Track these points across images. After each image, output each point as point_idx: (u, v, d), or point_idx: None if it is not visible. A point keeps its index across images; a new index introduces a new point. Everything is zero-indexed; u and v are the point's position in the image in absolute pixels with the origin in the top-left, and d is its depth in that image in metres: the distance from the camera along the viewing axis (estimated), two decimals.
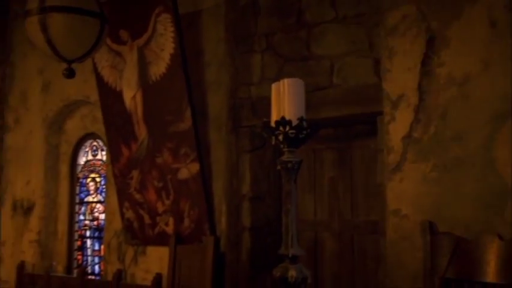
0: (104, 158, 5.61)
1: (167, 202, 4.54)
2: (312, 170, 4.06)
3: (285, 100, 1.83)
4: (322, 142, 3.98)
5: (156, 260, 4.73)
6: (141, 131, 4.63)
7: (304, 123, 1.86)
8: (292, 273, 2.01)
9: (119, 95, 4.72)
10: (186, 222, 4.40)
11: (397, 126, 3.21)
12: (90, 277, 5.50)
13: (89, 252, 5.80)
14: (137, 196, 4.76)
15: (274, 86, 1.94)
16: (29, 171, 6.09)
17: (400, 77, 3.23)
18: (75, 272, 5.64)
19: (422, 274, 2.89)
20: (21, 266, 5.76)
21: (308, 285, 2.10)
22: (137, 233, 4.83)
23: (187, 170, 4.33)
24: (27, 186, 6.10)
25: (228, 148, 4.21)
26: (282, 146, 1.93)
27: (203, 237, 4.25)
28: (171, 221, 4.53)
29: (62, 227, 5.92)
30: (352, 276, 3.80)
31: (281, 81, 1.91)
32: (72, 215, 5.91)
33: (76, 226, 5.91)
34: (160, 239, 4.63)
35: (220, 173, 4.30)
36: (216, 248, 4.05)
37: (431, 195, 3.04)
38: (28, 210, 6.07)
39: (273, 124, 1.92)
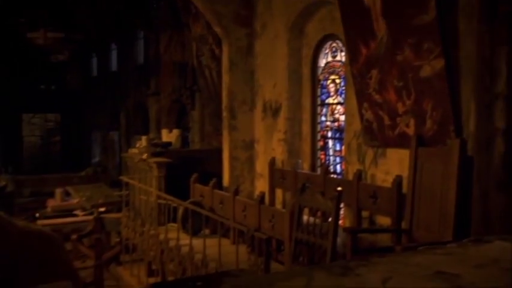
0: (343, 59, 5.54)
1: (408, 102, 4.28)
2: None
3: None
4: None
5: (396, 162, 4.61)
6: (380, 27, 4.36)
7: None
8: None
9: None
10: (429, 123, 4.10)
11: None
12: (332, 176, 5.72)
13: (331, 152, 6.00)
14: (376, 96, 4.62)
15: None
16: (275, 74, 6.46)
17: None
18: (318, 170, 5.93)
19: None
20: (272, 162, 6.33)
21: None
22: (376, 134, 4.74)
23: (430, 67, 3.95)
24: (274, 89, 6.51)
25: (480, 40, 3.66)
26: None
27: (447, 140, 3.92)
28: (412, 122, 4.29)
29: (306, 127, 6.21)
30: None
31: None
32: (314, 116, 6.12)
33: (318, 127, 6.13)
34: (401, 141, 4.45)
35: (469, 69, 3.80)
36: (462, 152, 3.70)
37: None
38: (276, 112, 6.52)
39: None
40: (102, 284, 6.64)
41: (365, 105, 4.79)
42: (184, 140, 8.95)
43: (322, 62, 6.01)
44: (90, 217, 7.84)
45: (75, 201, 9.36)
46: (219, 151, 7.34)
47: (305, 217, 4.02)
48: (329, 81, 5.93)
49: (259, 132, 6.88)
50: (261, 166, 6.81)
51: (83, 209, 9.00)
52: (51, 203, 10.12)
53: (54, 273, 1.06)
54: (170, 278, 5.09)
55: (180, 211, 5.52)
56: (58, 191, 10.14)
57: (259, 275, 2.69)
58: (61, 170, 15.28)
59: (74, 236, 7.78)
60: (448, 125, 3.91)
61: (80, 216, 9.02)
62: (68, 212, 9.39)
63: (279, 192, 6.29)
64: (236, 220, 4.87)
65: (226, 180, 7.00)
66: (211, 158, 7.50)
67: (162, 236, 5.35)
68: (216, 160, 7.34)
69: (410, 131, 4.29)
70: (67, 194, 9.80)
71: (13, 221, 1.12)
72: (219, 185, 6.01)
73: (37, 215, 9.50)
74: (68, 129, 17.34)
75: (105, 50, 14.88)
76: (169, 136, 8.49)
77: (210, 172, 6.57)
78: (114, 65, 14.49)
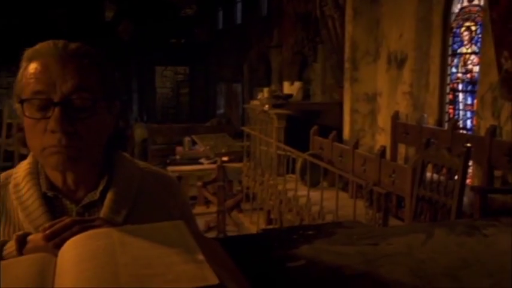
0: (482, 2, 5.02)
1: None
2: None
3: None
4: None
5: None
6: None
7: None
8: None
9: None
10: None
11: None
12: (460, 131, 5.33)
13: (461, 106, 5.56)
14: None
15: None
16: (402, 23, 6.06)
17: None
18: (446, 125, 5.56)
19: None
20: (395, 116, 6.05)
21: None
22: None
23: None
24: (400, 39, 6.14)
25: None
26: None
27: None
28: None
29: (434, 79, 5.81)
30: None
31: None
32: (444, 67, 5.68)
33: (448, 79, 5.69)
34: None
35: None
36: None
37: None
38: (401, 63, 6.17)
39: None
40: (224, 229, 7.00)
41: (505, 54, 4.32)
42: (305, 92, 8.89)
43: (456, 8, 5.49)
44: (214, 165, 8.22)
45: (200, 149, 9.86)
46: (340, 104, 7.18)
47: (428, 174, 3.80)
48: (463, 29, 5.43)
49: (382, 84, 6.59)
50: (383, 120, 6.54)
51: (207, 157, 9.47)
52: (180, 151, 10.79)
53: (168, 214, 1.09)
54: None
55: (299, 162, 5.54)
56: (186, 140, 10.77)
57: (373, 228, 2.61)
58: (189, 120, 16.18)
59: (200, 183, 8.26)
60: None
61: (205, 164, 9.52)
62: (194, 160, 9.96)
63: (401, 148, 6.03)
64: (355, 174, 4.77)
65: (346, 133, 6.86)
66: (332, 111, 7.38)
67: (280, 187, 5.44)
68: (336, 113, 7.21)
69: None
70: (193, 143, 10.36)
71: (134, 161, 1.16)
72: (338, 139, 5.91)
73: (168, 161, 10.21)
74: (195, 81, 18.16)
75: (230, 3, 15.11)
76: (290, 88, 8.47)
77: (330, 125, 6.47)
78: (239, 17, 14.69)
